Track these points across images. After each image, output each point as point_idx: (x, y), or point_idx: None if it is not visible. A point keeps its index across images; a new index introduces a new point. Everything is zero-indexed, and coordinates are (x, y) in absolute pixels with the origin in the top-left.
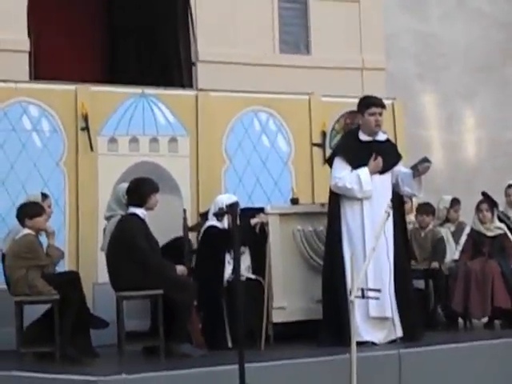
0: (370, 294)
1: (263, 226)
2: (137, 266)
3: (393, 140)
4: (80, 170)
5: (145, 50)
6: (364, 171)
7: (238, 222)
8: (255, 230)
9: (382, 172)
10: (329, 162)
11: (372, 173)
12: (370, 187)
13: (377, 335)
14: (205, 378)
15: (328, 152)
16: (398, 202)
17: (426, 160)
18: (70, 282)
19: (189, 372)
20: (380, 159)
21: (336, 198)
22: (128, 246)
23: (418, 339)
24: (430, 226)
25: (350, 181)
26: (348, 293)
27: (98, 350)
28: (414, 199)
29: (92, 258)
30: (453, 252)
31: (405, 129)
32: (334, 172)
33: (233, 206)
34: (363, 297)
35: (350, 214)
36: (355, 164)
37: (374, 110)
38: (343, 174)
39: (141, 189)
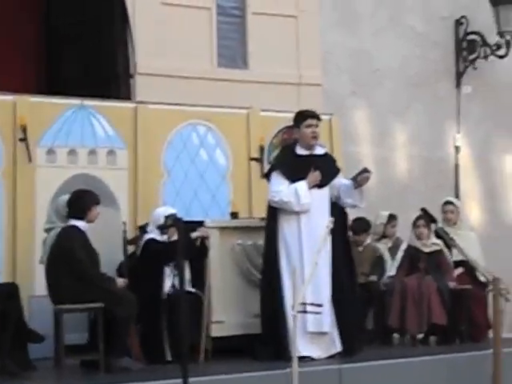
0: (311, 308)
1: (203, 240)
2: (76, 279)
3: None
4: (18, 182)
5: (83, 61)
6: (301, 184)
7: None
8: (195, 244)
9: (320, 186)
10: (266, 176)
11: (310, 186)
12: (308, 200)
13: (315, 350)
14: None
15: (266, 166)
16: (340, 215)
17: (365, 170)
18: (8, 295)
19: None
20: (318, 172)
21: (273, 213)
22: (67, 258)
23: (356, 354)
24: (368, 241)
25: (286, 194)
26: (287, 308)
27: (35, 363)
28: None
29: (29, 270)
30: (389, 268)
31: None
32: (271, 187)
33: (177, 219)
34: (305, 311)
35: (287, 229)
36: (293, 178)
37: (309, 121)
38: (280, 188)
39: (82, 201)
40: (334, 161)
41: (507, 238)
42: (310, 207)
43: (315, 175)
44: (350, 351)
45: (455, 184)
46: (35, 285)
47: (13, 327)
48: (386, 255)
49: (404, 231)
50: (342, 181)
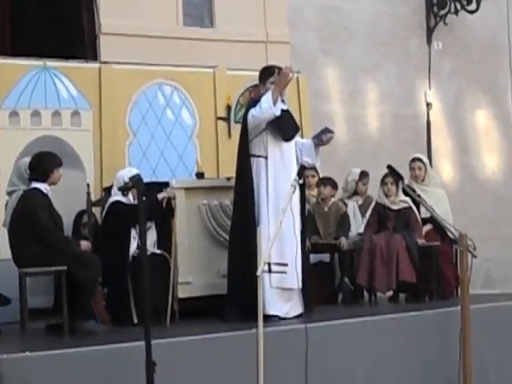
0: (277, 268)
1: (170, 201)
2: (40, 242)
3: (297, 113)
4: None
5: (47, 21)
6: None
7: (144, 196)
8: (162, 205)
9: (286, 140)
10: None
11: (278, 89)
12: (268, 104)
13: (283, 308)
14: (110, 355)
15: (232, 126)
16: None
17: (328, 130)
18: None
19: (94, 349)
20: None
21: (247, 169)
22: (30, 221)
23: (312, 312)
24: (333, 200)
25: (254, 110)
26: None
27: (0, 327)
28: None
29: None
30: (359, 225)
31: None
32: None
33: (138, 180)
34: (270, 271)
35: (255, 186)
36: None
37: (274, 77)
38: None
39: (44, 163)
40: (293, 118)
41: (479, 193)
42: (274, 112)
43: (283, 73)
44: (309, 311)
45: (427, 141)
46: None
47: None
48: (356, 213)
49: (376, 189)
50: (299, 140)
